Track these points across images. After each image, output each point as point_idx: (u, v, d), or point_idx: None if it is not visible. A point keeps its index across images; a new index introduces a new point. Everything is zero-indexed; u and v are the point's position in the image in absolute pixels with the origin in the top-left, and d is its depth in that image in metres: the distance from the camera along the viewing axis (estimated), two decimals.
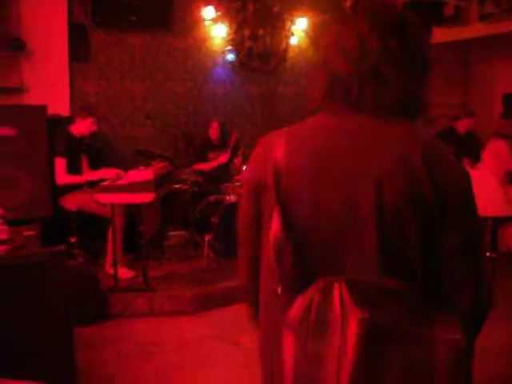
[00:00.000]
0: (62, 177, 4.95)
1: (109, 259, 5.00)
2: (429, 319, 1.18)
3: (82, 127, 5.17)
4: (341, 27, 1.33)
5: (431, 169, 1.19)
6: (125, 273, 4.96)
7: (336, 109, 1.31)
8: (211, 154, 6.45)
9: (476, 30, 7.69)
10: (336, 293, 1.13)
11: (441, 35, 7.70)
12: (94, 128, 5.26)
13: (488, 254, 5.41)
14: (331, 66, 1.29)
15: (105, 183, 4.62)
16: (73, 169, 5.02)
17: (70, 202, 5.04)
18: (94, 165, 5.30)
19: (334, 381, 1.10)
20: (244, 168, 6.05)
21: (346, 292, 1.12)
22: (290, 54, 7.82)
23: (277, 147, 1.32)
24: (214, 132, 6.56)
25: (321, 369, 1.13)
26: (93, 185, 4.92)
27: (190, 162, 6.40)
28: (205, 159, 6.42)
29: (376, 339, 1.11)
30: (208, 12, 6.99)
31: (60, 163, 4.94)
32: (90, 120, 5.17)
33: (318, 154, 1.28)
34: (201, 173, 6.25)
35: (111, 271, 4.84)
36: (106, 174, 4.81)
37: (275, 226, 1.22)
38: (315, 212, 1.24)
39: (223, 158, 6.36)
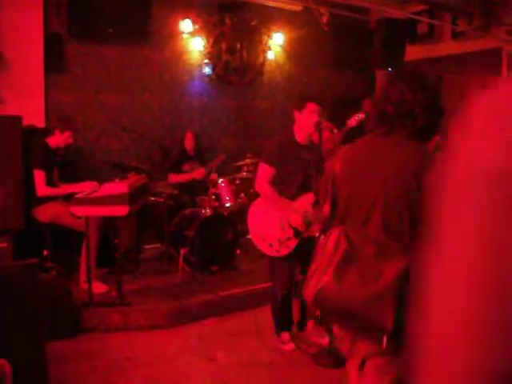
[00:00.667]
0: (43, 189, 4.90)
1: (82, 274, 4.93)
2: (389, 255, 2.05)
3: (58, 140, 5.12)
4: (388, 85, 2.30)
5: (417, 172, 2.06)
6: (98, 287, 4.89)
7: (379, 131, 2.27)
8: (185, 166, 6.41)
9: (448, 47, 7.84)
10: (334, 234, 2.14)
11: (414, 52, 7.85)
12: (71, 141, 5.22)
13: None
14: (382, 108, 2.25)
15: (79, 195, 4.57)
16: (47, 181, 4.97)
17: (43, 214, 4.98)
18: (67, 177, 5.24)
19: (327, 264, 2.11)
20: (220, 181, 6.05)
21: (342, 234, 2.10)
22: (267, 68, 7.88)
23: (336, 160, 2.35)
24: (189, 143, 6.53)
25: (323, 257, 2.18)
26: (66, 197, 4.86)
27: (166, 174, 6.37)
28: (180, 171, 6.38)
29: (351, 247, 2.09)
30: (185, 25, 7.01)
31: (39, 175, 4.89)
32: (67, 133, 5.13)
33: (353, 162, 2.31)
34: (176, 185, 6.22)
35: (85, 286, 4.77)
36: (87, 186, 4.73)
37: (326, 207, 2.37)
38: (348, 199, 2.27)
39: (199, 173, 6.31)
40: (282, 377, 3.83)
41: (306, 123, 4.02)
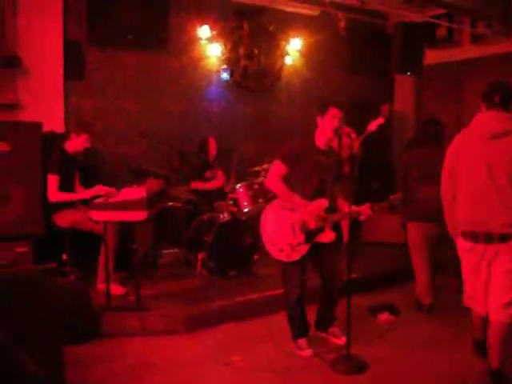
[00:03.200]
0: (54, 194, 4.93)
1: (100, 275, 4.97)
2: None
3: (75, 144, 5.15)
4: None
5: None
6: (116, 289, 4.92)
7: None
8: (207, 173, 6.42)
9: (468, 51, 7.78)
10: None
11: (433, 56, 7.79)
12: (88, 145, 5.23)
13: None
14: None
15: (98, 200, 4.61)
16: (65, 186, 5.01)
17: (63, 219, 5.02)
18: (87, 182, 5.28)
19: None
20: (238, 186, 6.05)
21: None
22: (285, 73, 7.88)
23: None
24: (212, 149, 6.52)
25: None
26: (86, 202, 4.90)
27: (185, 180, 6.39)
28: (202, 178, 6.38)
29: None
30: (203, 31, 7.04)
31: (52, 180, 4.93)
32: (84, 136, 5.15)
33: None
34: (195, 191, 6.24)
35: (102, 287, 4.81)
36: (98, 191, 4.77)
37: None
38: None
39: (218, 182, 6.35)
40: (298, 383, 3.81)
41: (327, 128, 4.02)
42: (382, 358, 4.11)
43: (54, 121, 5.77)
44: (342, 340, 4.17)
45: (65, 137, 5.23)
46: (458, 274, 5.54)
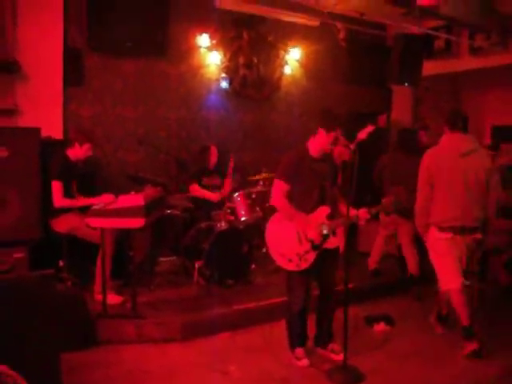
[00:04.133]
0: (60, 200, 4.92)
1: (97, 286, 4.94)
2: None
3: (78, 152, 5.15)
4: None
5: None
6: (113, 298, 4.90)
7: None
8: (205, 180, 6.40)
9: (466, 62, 7.82)
10: None
11: (432, 68, 7.83)
12: (90, 153, 5.24)
13: (477, 285, 5.45)
14: None
15: (95, 207, 4.59)
16: (65, 192, 4.99)
17: (60, 225, 5.01)
18: (85, 189, 5.26)
19: None
20: (236, 195, 6.06)
21: None
22: (284, 82, 7.91)
23: None
24: (214, 156, 6.50)
25: None
26: (83, 209, 4.89)
27: (183, 187, 6.38)
28: (200, 183, 6.35)
29: None
30: (203, 40, 7.07)
31: (57, 186, 4.91)
32: (86, 146, 5.16)
33: None
34: (192, 198, 6.23)
35: (99, 297, 4.78)
36: (104, 199, 4.72)
37: None
38: None
39: (215, 197, 6.32)
40: None
41: (326, 144, 4.06)
42: (378, 368, 4.11)
43: (52, 127, 5.77)
44: (341, 356, 4.11)
45: (67, 143, 5.21)
46: None
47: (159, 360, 4.22)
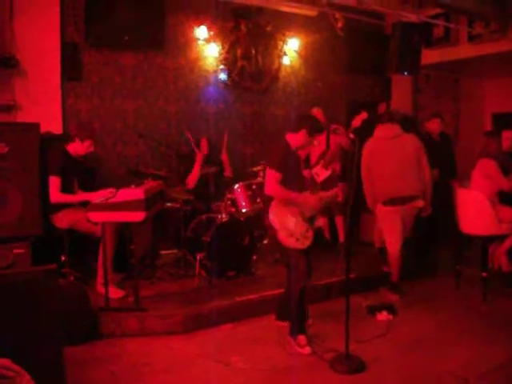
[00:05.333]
0: (56, 195, 4.91)
1: (99, 278, 4.96)
2: None
3: (79, 148, 5.14)
4: None
5: None
6: (115, 292, 4.92)
7: None
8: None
9: (465, 50, 7.79)
10: None
11: (431, 56, 7.80)
12: (92, 149, 5.23)
13: (478, 272, 5.46)
14: None
15: (96, 201, 4.59)
16: (65, 188, 4.99)
17: (62, 220, 5.01)
18: (85, 185, 5.26)
19: None
20: (236, 186, 6.06)
21: None
22: (282, 73, 7.89)
23: None
24: (204, 149, 6.58)
25: None
26: (84, 203, 4.89)
27: (182, 180, 6.40)
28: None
29: None
30: (201, 32, 7.05)
31: (54, 182, 4.90)
32: (88, 142, 5.15)
33: None
34: (191, 191, 6.24)
35: (101, 290, 4.80)
36: (104, 194, 4.70)
37: None
38: None
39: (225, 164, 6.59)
40: (298, 382, 3.81)
41: (304, 144, 4.41)
42: (380, 357, 4.12)
43: (51, 121, 5.76)
44: (309, 322, 4.55)
45: (65, 138, 5.21)
46: (455, 272, 5.59)
47: (162, 352, 4.24)
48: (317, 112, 6.72)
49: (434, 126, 6.70)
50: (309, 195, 4.33)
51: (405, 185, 5.37)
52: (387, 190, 5.42)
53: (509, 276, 5.54)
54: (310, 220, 4.33)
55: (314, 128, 4.39)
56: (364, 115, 6.06)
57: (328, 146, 6.46)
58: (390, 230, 5.53)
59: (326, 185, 6.45)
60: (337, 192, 4.53)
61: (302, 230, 4.23)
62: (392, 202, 5.41)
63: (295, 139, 4.36)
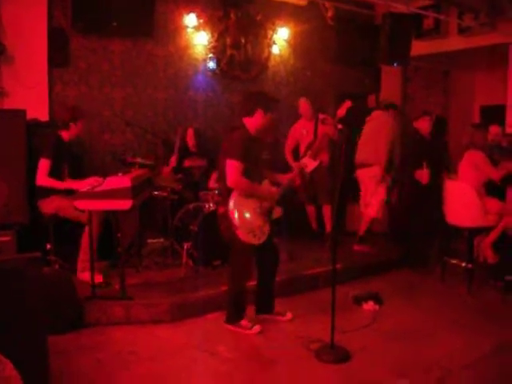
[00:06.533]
0: (43, 178, 4.87)
1: (79, 264, 4.97)
2: None
3: (73, 131, 5.14)
4: None
5: None
6: (95, 277, 4.87)
7: None
8: (187, 162, 6.45)
9: (455, 42, 7.80)
10: None
11: (420, 47, 7.80)
12: (83, 127, 5.27)
13: (464, 264, 5.50)
14: None
15: (83, 189, 4.55)
16: (54, 173, 4.94)
17: (48, 206, 4.97)
18: (74, 172, 5.21)
19: None
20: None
21: None
22: (272, 62, 7.86)
23: None
24: (190, 139, 6.59)
25: None
26: (70, 192, 4.84)
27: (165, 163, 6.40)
28: (181, 166, 6.43)
29: None
30: (190, 20, 6.99)
31: (43, 164, 4.87)
32: (81, 122, 5.17)
33: None
34: (180, 180, 6.22)
35: (81, 277, 4.85)
36: (91, 182, 4.65)
37: None
38: None
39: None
40: (285, 372, 3.82)
41: (264, 124, 4.29)
42: (366, 347, 4.14)
43: (38, 108, 5.72)
44: (288, 316, 4.63)
45: (61, 126, 5.14)
46: (441, 263, 5.64)
47: (148, 341, 4.23)
48: (303, 102, 6.71)
49: (423, 124, 6.46)
50: (269, 186, 4.33)
51: (362, 152, 6.58)
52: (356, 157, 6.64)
53: (494, 268, 5.58)
54: (269, 212, 4.30)
55: (269, 103, 4.27)
56: (348, 104, 6.07)
57: (316, 136, 6.46)
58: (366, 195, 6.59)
59: (314, 175, 6.47)
60: (293, 177, 4.58)
61: (260, 225, 4.20)
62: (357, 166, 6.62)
63: (253, 122, 4.25)
